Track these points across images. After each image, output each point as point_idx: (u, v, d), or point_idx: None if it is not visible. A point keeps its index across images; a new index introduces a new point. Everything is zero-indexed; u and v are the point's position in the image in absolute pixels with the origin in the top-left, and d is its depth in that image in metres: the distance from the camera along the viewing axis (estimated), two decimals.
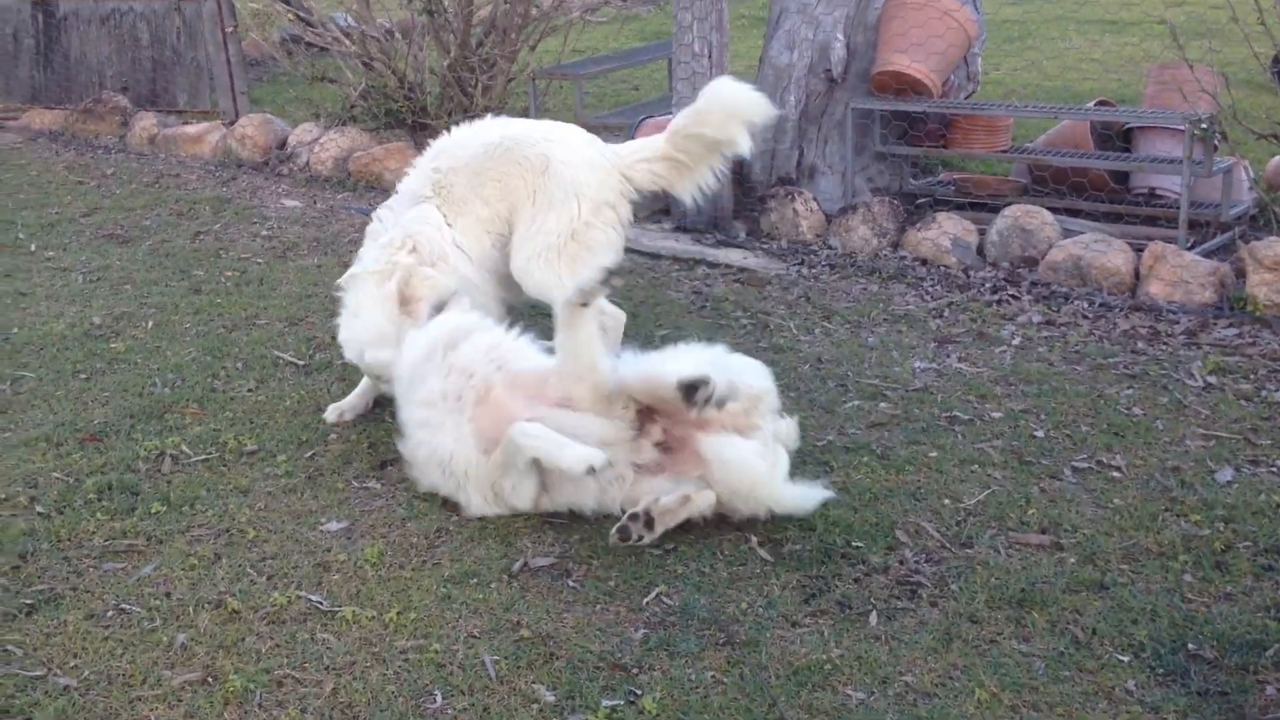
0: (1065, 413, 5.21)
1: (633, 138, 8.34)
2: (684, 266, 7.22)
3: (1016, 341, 6.01)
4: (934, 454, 4.88)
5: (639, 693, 3.51)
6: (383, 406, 5.26)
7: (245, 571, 4.13)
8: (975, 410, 5.27)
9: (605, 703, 3.47)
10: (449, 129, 5.46)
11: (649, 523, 4.19)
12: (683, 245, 7.50)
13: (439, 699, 3.51)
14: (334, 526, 4.42)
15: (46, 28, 11.30)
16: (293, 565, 4.17)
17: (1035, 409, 5.26)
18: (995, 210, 7.33)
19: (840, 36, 7.81)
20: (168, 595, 4.01)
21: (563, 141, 5.30)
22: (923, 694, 3.51)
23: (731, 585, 4.04)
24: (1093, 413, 5.21)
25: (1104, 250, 6.59)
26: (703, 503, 4.31)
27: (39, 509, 4.54)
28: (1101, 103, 8.06)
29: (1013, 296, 6.54)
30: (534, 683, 3.57)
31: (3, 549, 4.27)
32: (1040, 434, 5.03)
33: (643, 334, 6.12)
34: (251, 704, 3.49)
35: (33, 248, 7.75)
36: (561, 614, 3.90)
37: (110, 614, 3.91)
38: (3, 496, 4.64)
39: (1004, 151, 7.89)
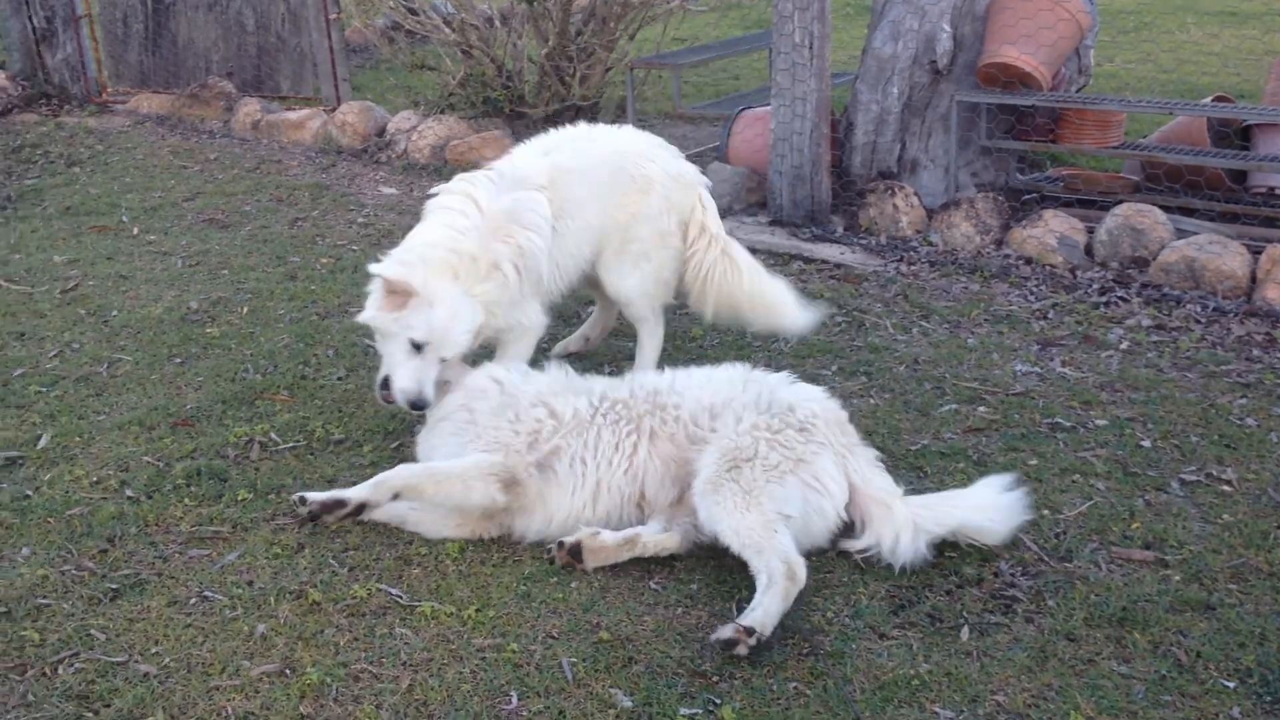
0: (1174, 422, 5.02)
1: (730, 130, 8.26)
2: (779, 261, 7.08)
3: (1124, 346, 5.80)
4: (1034, 462, 4.72)
5: (718, 702, 3.43)
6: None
7: (327, 562, 4.11)
8: (1078, 417, 5.08)
9: (684, 711, 3.40)
10: (552, 124, 5.42)
11: (576, 553, 4.06)
12: (778, 240, 7.37)
13: (514, 700, 3.45)
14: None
15: (155, 12, 11.47)
16: (374, 557, 4.14)
17: (1142, 417, 5.06)
18: (1105, 208, 7.09)
19: (947, 27, 7.61)
20: (250, 584, 4.00)
21: (662, 160, 5.32)
22: (1015, 715, 3.39)
23: (818, 593, 3.93)
24: (1203, 423, 5.00)
25: (1219, 252, 6.33)
26: (654, 545, 4.11)
27: (129, 493, 4.57)
28: (1219, 98, 7.77)
29: (1121, 299, 6.32)
30: (611, 687, 3.50)
31: (92, 532, 4.30)
32: (1147, 444, 4.84)
33: (735, 330, 6.01)
34: (327, 698, 3.46)
35: (135, 231, 7.85)
36: (642, 616, 3.83)
37: (193, 601, 3.92)
38: (95, 480, 4.68)
39: (1116, 148, 7.62)
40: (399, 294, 4.55)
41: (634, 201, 5.20)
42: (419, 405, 4.55)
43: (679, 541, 4.11)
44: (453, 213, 4.87)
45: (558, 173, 5.05)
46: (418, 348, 4.52)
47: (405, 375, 4.54)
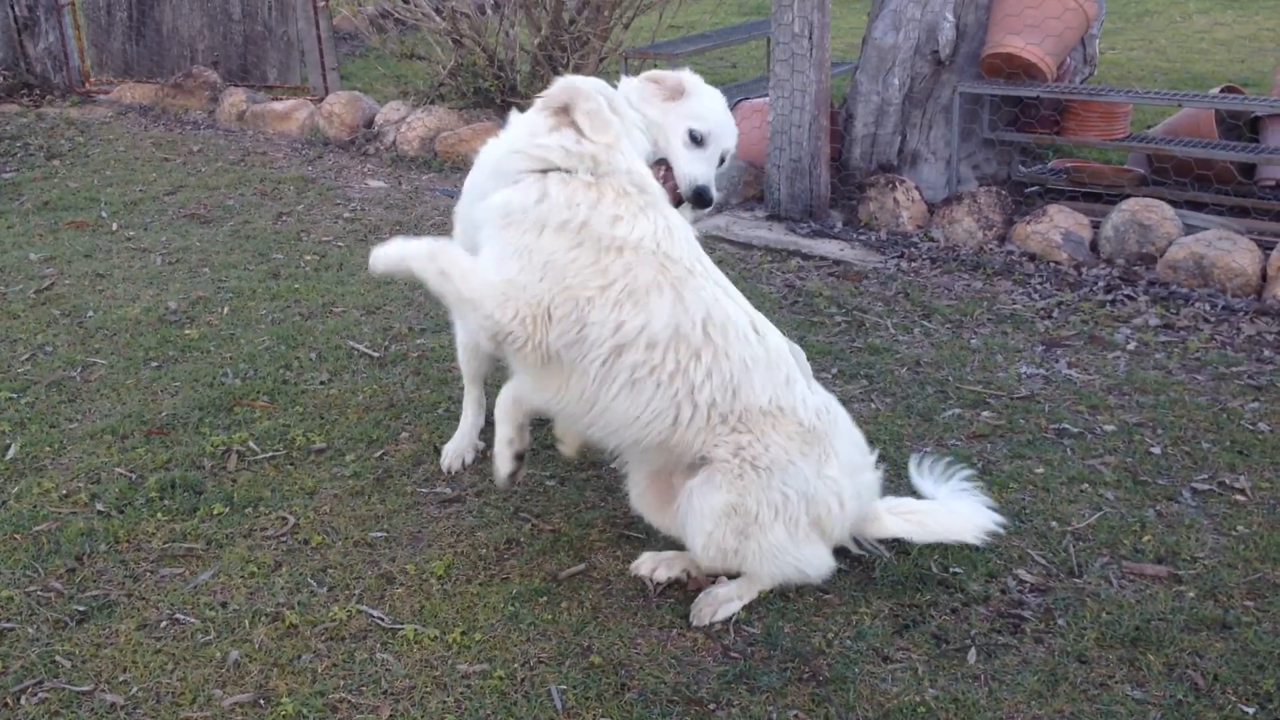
0: (1184, 427, 4.85)
1: None
2: (777, 258, 6.89)
3: (1131, 346, 5.62)
4: (1040, 470, 4.55)
5: None
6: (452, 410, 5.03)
7: (305, 582, 3.93)
8: (1086, 422, 4.91)
9: None
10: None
11: None
12: (776, 235, 7.18)
13: None
14: (400, 534, 4.20)
15: (140, 0, 11.24)
16: (355, 576, 3.96)
17: (1151, 422, 4.89)
18: (1109, 200, 6.91)
19: (949, 16, 7.41)
20: (224, 605, 3.82)
21: None
22: None
23: (818, 612, 3.77)
24: (1215, 428, 4.83)
25: (1228, 248, 6.15)
26: None
27: (99, 507, 4.38)
28: (1228, 89, 7.60)
29: (1128, 297, 6.14)
30: (603, 716, 3.33)
31: (60, 550, 4.11)
32: (1157, 450, 4.67)
33: None
34: None
35: (114, 227, 7.62)
36: (635, 639, 3.66)
37: (164, 624, 3.74)
38: (65, 493, 4.48)
39: (1122, 140, 7.44)
40: (671, 88, 4.15)
41: None
42: (704, 199, 4.13)
43: None
44: None
45: None
46: (698, 141, 4.12)
47: (690, 162, 4.11)
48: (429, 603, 3.83)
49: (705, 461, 3.68)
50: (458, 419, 4.82)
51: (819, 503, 3.73)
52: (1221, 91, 7.54)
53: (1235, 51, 11.50)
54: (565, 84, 3.70)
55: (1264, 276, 6.07)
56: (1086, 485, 4.45)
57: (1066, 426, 4.88)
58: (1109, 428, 4.86)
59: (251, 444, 4.83)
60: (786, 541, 3.70)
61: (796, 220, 7.36)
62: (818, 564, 3.80)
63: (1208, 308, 5.95)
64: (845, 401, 5.02)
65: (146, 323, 6.05)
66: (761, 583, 3.81)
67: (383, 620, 3.74)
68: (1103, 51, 10.46)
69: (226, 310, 6.20)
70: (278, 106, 10.03)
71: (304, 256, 7.01)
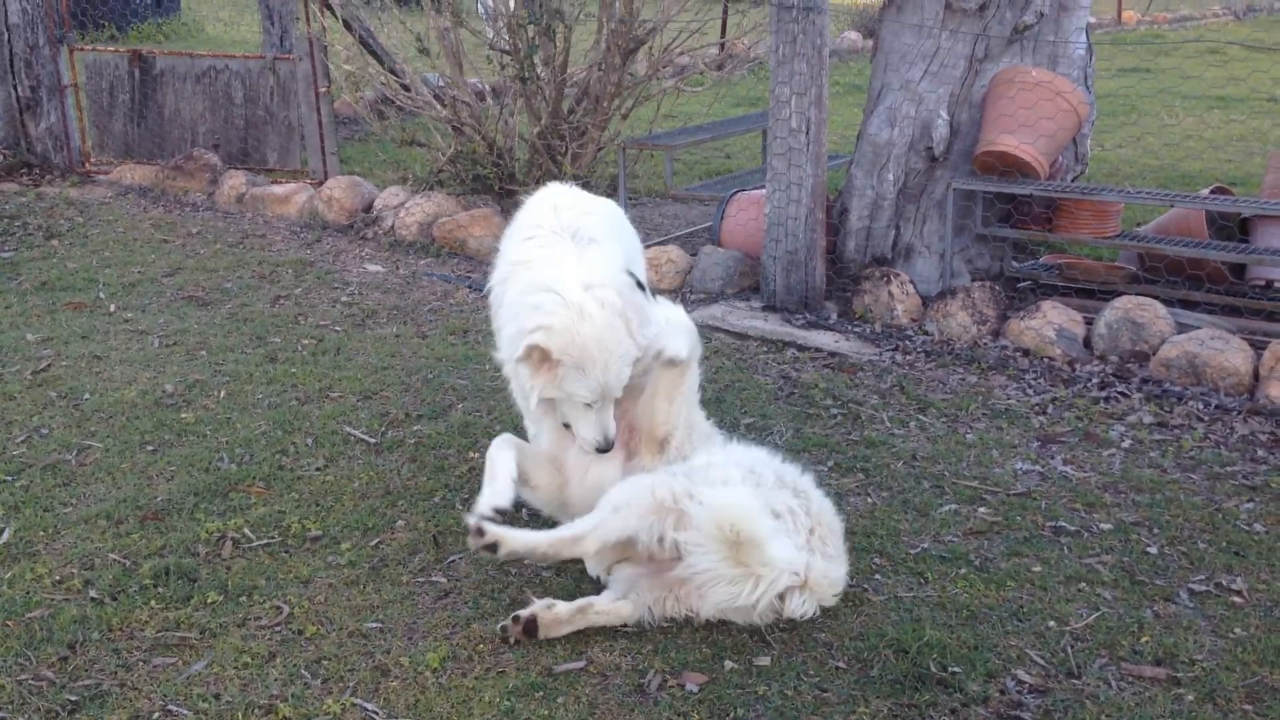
0: (1180, 527, 4.85)
1: (723, 213, 8.16)
2: (772, 348, 6.93)
3: (1126, 444, 5.64)
4: (1038, 568, 4.54)
5: None
6: (455, 490, 5.03)
7: (299, 673, 3.90)
8: (1082, 520, 4.91)
9: None
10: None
11: (531, 628, 4.05)
12: (771, 326, 7.23)
13: None
14: (395, 625, 4.17)
15: (142, 83, 11.35)
16: (349, 668, 3.93)
17: (1147, 521, 4.89)
18: (1102, 297, 6.97)
19: (944, 114, 7.53)
20: (217, 697, 3.78)
21: None
22: None
23: (817, 710, 3.74)
24: (1210, 528, 4.84)
25: (1221, 348, 6.20)
26: (606, 614, 4.13)
27: (93, 593, 4.34)
28: (1218, 189, 7.70)
29: (1122, 394, 6.17)
30: None
31: (53, 638, 4.06)
32: (1153, 550, 4.67)
33: (728, 421, 5.84)
34: None
35: (112, 308, 7.64)
36: None
37: (156, 716, 3.69)
38: (58, 579, 4.45)
39: (1114, 238, 7.53)
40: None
41: None
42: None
43: (631, 610, 4.12)
44: None
45: None
46: None
47: None
48: (424, 696, 3.79)
49: None
50: (454, 507, 4.80)
51: None
52: (1212, 192, 7.64)
53: (1224, 151, 11.67)
54: None
55: (1256, 376, 6.11)
56: (1084, 584, 4.44)
57: (1063, 524, 4.88)
58: (1105, 526, 4.87)
59: (247, 531, 4.80)
60: None
61: (792, 311, 7.41)
62: None
63: (1201, 406, 5.99)
64: (842, 495, 5.07)
65: (143, 406, 6.04)
66: None
67: (377, 714, 3.70)
68: (1092, 149, 10.62)
69: (223, 394, 6.19)
70: (277, 190, 10.10)
71: (301, 340, 7.02)
